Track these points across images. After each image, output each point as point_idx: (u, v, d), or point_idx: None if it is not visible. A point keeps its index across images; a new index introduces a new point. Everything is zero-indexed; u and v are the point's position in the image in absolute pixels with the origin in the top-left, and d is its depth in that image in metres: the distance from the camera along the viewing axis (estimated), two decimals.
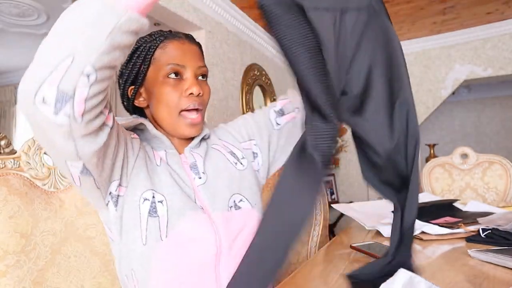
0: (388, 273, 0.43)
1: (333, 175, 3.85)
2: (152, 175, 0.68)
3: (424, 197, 1.42)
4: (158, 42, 0.72)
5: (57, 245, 0.75)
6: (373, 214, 1.17)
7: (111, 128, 0.56)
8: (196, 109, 0.73)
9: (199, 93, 0.71)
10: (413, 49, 3.75)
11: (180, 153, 0.75)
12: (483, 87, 5.41)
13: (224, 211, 0.70)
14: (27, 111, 0.48)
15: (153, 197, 0.66)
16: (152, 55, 0.72)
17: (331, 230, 3.41)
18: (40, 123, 0.48)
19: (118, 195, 0.65)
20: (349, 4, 0.42)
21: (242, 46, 3.02)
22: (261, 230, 0.39)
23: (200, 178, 0.72)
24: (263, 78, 3.32)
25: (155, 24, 2.50)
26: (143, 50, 0.72)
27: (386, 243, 0.84)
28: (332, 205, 1.34)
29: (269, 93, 3.36)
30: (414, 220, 0.46)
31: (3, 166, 0.72)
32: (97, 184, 0.61)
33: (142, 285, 0.66)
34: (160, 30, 0.76)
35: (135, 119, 0.75)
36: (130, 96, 0.75)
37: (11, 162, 0.74)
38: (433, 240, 0.90)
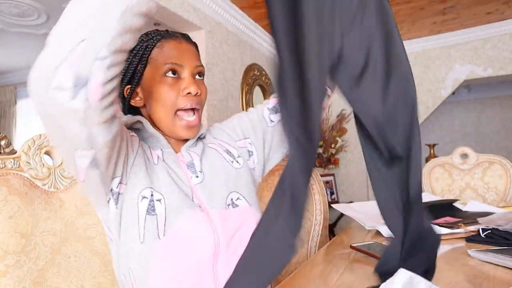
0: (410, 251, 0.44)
1: (333, 175, 3.85)
2: (151, 173, 0.68)
3: (424, 197, 1.41)
4: (155, 41, 0.72)
5: (57, 245, 0.75)
6: (373, 214, 1.17)
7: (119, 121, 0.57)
8: (193, 109, 0.73)
9: (197, 93, 0.72)
10: (413, 49, 3.75)
11: (176, 152, 0.75)
12: (483, 87, 5.41)
13: (221, 209, 0.70)
14: (39, 100, 0.49)
15: (152, 195, 0.66)
16: (149, 54, 0.72)
17: (331, 230, 3.40)
18: (54, 111, 0.48)
19: (118, 193, 0.65)
20: None
21: (242, 46, 3.02)
22: (260, 229, 0.39)
23: (197, 177, 0.72)
24: (263, 78, 3.33)
25: (155, 24, 2.50)
26: (140, 49, 0.72)
27: (386, 243, 0.84)
28: (332, 205, 1.34)
29: (269, 93, 3.36)
30: (420, 184, 0.45)
31: (3, 166, 0.73)
32: (102, 179, 0.61)
33: (140, 284, 0.65)
34: (157, 30, 0.76)
35: (133, 117, 0.75)
36: (126, 96, 0.75)
37: (11, 162, 0.74)
38: None
